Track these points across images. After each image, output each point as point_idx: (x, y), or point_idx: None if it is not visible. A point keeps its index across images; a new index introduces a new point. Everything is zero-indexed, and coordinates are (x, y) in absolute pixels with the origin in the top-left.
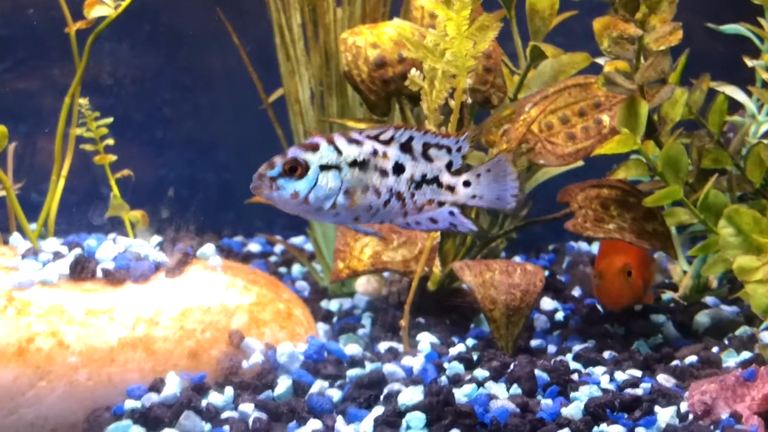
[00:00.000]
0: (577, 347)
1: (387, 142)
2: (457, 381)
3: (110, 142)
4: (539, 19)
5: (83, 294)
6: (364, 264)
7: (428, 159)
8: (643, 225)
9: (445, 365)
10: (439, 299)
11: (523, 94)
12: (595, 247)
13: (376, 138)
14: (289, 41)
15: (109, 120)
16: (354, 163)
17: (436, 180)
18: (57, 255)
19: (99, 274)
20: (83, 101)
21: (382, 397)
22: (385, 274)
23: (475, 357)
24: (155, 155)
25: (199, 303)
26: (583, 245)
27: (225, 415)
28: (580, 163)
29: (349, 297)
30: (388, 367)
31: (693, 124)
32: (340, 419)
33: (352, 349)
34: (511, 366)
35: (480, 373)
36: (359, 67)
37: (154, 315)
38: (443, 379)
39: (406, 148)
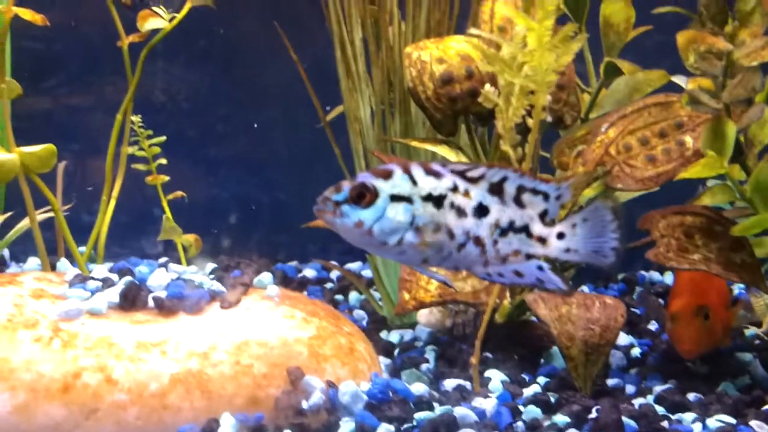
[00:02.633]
0: (658, 388)
1: (474, 180)
2: (535, 428)
3: (163, 161)
4: (614, 33)
5: (133, 325)
6: (432, 295)
7: (520, 204)
8: (730, 256)
9: (521, 408)
10: (507, 332)
11: (595, 113)
12: (668, 278)
13: (462, 173)
14: (351, 56)
15: (162, 138)
16: (428, 198)
17: (525, 229)
18: (106, 282)
19: (150, 303)
20: (135, 119)
21: None
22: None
23: (552, 399)
24: (208, 175)
25: (257, 336)
26: (655, 275)
27: None
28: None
29: (410, 328)
30: (459, 410)
31: None
32: None
33: (417, 387)
34: (593, 410)
35: (560, 418)
36: (424, 83)
37: (209, 349)
38: (519, 425)
39: (496, 189)
